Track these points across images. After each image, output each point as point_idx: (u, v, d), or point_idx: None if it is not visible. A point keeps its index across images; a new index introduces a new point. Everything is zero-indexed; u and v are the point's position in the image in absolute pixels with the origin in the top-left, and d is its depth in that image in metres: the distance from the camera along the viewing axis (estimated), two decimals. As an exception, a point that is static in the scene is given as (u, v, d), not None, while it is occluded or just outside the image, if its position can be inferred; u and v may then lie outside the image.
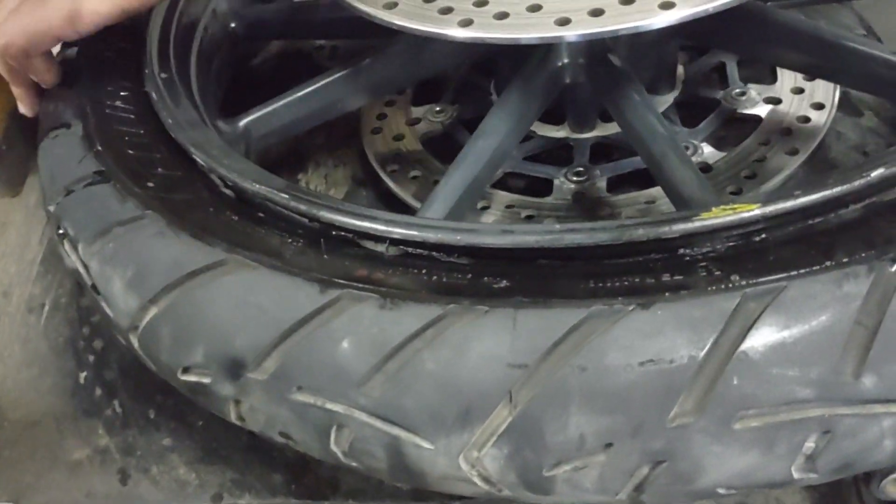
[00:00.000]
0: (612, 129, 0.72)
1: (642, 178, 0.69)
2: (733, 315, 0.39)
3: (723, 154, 0.69)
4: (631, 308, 0.40)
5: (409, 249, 0.47)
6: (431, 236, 0.45)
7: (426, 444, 0.42)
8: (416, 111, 0.80)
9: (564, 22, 0.52)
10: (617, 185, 0.71)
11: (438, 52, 0.68)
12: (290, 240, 0.48)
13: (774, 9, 0.67)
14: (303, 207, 0.48)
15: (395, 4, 0.57)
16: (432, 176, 0.73)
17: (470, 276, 0.45)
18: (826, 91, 0.72)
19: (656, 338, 0.39)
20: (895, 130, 0.72)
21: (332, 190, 0.78)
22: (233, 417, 0.48)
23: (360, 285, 0.44)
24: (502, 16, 0.54)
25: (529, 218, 0.68)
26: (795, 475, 0.40)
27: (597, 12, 0.52)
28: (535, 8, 0.54)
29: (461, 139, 0.76)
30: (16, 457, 0.60)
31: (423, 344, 0.41)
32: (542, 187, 0.71)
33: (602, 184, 0.69)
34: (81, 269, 0.54)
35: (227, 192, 0.53)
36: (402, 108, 0.80)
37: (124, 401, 0.62)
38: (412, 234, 0.46)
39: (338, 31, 0.77)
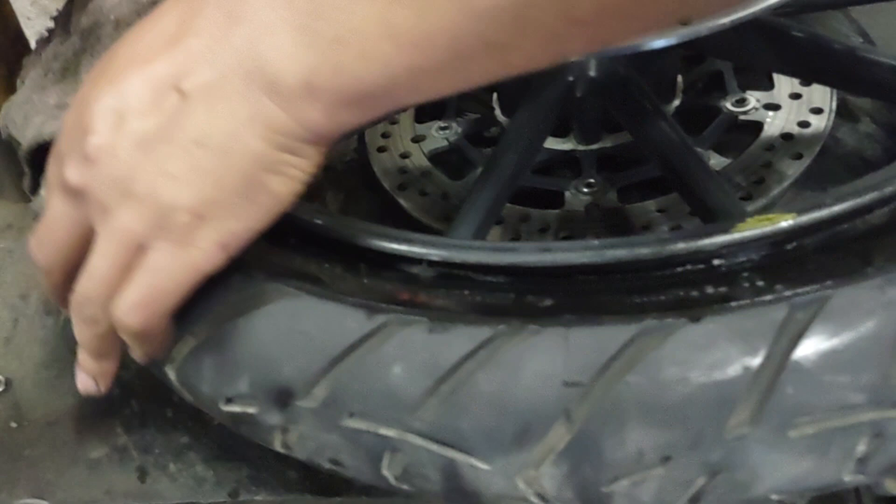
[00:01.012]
0: (617, 139, 0.73)
1: (651, 187, 0.71)
2: (783, 325, 0.40)
3: (728, 160, 0.71)
4: (682, 322, 0.40)
5: (447, 270, 0.47)
6: (473, 257, 0.46)
7: (483, 465, 0.42)
8: (420, 128, 0.80)
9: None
10: (626, 194, 0.72)
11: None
12: (326, 265, 0.49)
13: (773, 17, 0.68)
14: (343, 232, 0.48)
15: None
16: (440, 191, 0.74)
17: (513, 295, 0.45)
18: (823, 96, 0.74)
19: (710, 350, 0.39)
20: (892, 135, 0.73)
21: (342, 196, 0.78)
22: (278, 446, 0.48)
23: (406, 309, 0.45)
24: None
25: (543, 231, 0.69)
26: (846, 478, 0.41)
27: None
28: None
29: (468, 154, 0.77)
30: (37, 455, 0.61)
31: (475, 365, 0.42)
32: (552, 199, 0.72)
33: (613, 195, 0.70)
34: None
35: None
36: (406, 126, 0.81)
37: (142, 400, 0.63)
38: (453, 255, 0.46)
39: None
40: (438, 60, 0.37)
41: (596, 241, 0.46)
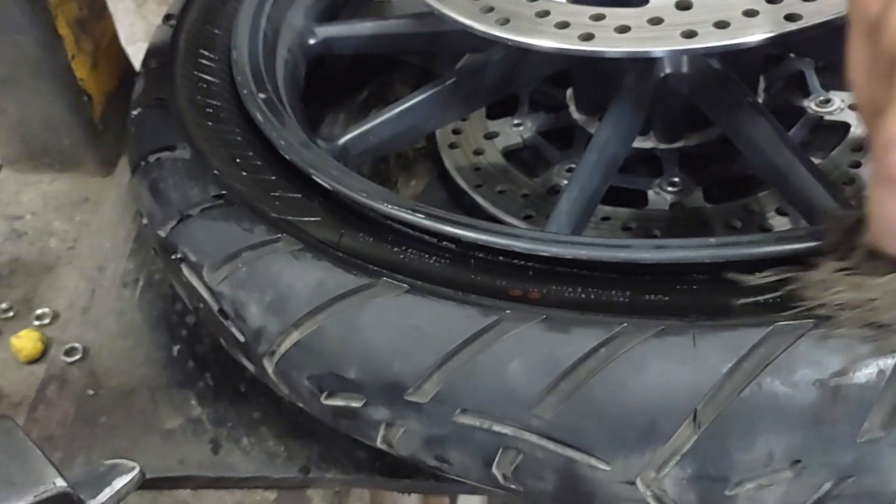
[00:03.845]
0: (700, 137, 0.72)
1: (736, 187, 0.69)
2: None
3: (818, 161, 0.69)
4: (813, 324, 0.39)
5: (557, 267, 0.46)
6: (585, 254, 0.45)
7: (602, 466, 0.41)
8: (493, 125, 0.80)
9: (691, 34, 0.52)
10: (708, 193, 0.70)
11: (532, 65, 0.68)
12: (431, 259, 0.48)
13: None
14: (448, 230, 0.47)
15: (508, 21, 0.56)
16: (519, 190, 0.73)
17: (627, 293, 0.44)
18: (909, 96, 0.72)
19: (843, 353, 0.38)
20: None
21: (413, 181, 0.78)
22: (378, 441, 0.48)
23: (520, 305, 0.44)
24: (623, 29, 0.54)
25: (627, 229, 0.68)
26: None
27: (722, 24, 0.52)
28: (656, 21, 0.54)
29: (545, 152, 0.76)
30: (112, 423, 0.62)
31: (597, 364, 0.41)
32: (633, 198, 0.71)
33: (699, 194, 0.69)
34: (206, 294, 0.53)
35: (353, 214, 0.52)
36: (478, 122, 0.80)
37: (216, 374, 0.64)
38: (565, 251, 0.45)
39: (425, 44, 0.77)
40: None
41: (712, 240, 0.45)
